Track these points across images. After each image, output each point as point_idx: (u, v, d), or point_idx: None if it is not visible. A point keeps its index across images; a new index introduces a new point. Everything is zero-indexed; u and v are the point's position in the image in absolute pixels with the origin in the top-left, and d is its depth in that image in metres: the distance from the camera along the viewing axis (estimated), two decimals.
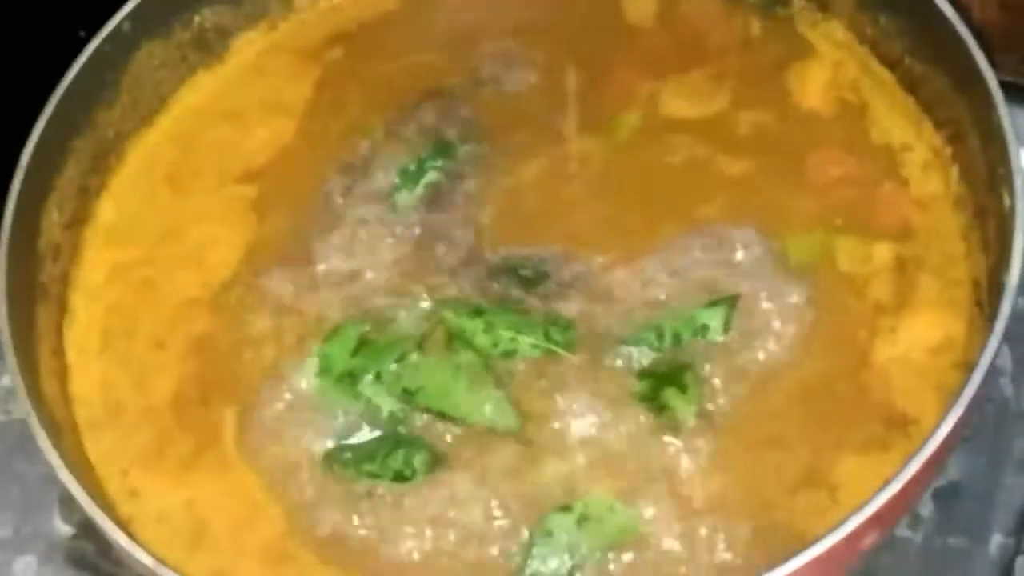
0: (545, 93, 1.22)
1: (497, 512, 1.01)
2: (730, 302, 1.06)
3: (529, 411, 1.03)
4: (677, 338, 1.05)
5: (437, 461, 1.02)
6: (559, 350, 1.05)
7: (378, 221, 1.15)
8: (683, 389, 1.03)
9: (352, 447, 1.04)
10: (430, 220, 1.14)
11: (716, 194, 1.13)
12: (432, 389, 1.04)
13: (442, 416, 1.04)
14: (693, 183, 1.15)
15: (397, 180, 1.16)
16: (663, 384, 1.03)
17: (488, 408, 1.03)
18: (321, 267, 1.13)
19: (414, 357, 1.05)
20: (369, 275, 1.12)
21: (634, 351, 1.05)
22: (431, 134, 1.19)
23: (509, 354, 1.05)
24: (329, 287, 1.12)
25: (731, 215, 1.12)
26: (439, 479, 1.02)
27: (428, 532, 1.01)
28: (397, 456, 1.03)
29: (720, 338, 1.05)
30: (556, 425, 1.03)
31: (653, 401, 1.03)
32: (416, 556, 1.00)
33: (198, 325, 1.13)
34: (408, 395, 1.04)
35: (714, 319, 1.06)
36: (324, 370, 1.07)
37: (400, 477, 1.02)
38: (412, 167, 1.16)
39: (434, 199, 1.15)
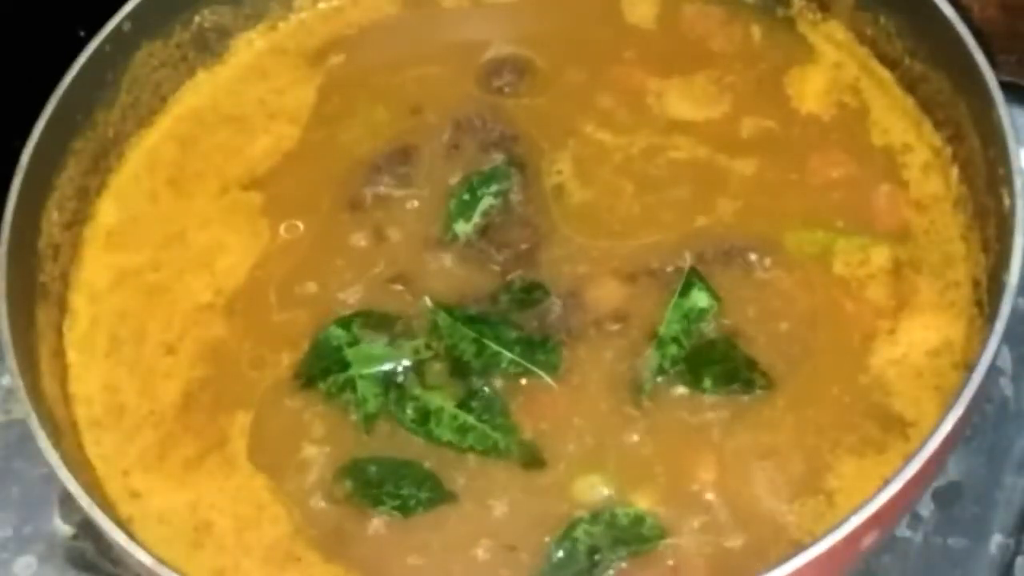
0: (555, 97, 1.22)
1: (512, 535, 1.01)
2: (694, 276, 1.07)
3: (542, 437, 1.04)
4: (688, 332, 1.05)
5: (444, 497, 1.02)
6: (538, 371, 1.05)
7: (401, 231, 1.15)
8: (729, 358, 1.04)
9: (359, 470, 1.04)
10: (475, 241, 1.14)
11: (717, 199, 1.14)
12: (442, 420, 1.04)
13: (452, 447, 1.04)
14: (694, 184, 1.15)
15: (452, 210, 1.15)
16: (712, 366, 1.04)
17: (501, 440, 1.03)
18: (338, 274, 1.14)
19: (418, 391, 1.05)
20: (387, 284, 1.12)
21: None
22: (473, 153, 1.18)
23: (490, 368, 1.05)
24: (345, 295, 1.12)
25: (733, 216, 1.12)
26: (448, 509, 1.02)
27: (440, 540, 1.01)
28: (402, 487, 1.02)
29: (716, 305, 1.06)
30: (573, 447, 1.04)
31: (728, 383, 1.03)
32: (427, 559, 1.01)
33: (210, 331, 1.13)
34: (417, 426, 1.05)
35: (700, 298, 1.06)
36: (315, 347, 1.08)
37: (404, 508, 1.02)
38: (466, 196, 1.15)
39: (488, 225, 1.15)
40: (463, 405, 1.04)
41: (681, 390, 1.04)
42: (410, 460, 1.04)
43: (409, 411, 1.05)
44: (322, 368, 1.07)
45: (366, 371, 1.06)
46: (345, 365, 1.07)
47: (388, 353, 1.07)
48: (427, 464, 1.04)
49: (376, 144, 1.21)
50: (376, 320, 1.09)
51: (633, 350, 1.07)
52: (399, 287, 1.12)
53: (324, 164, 1.20)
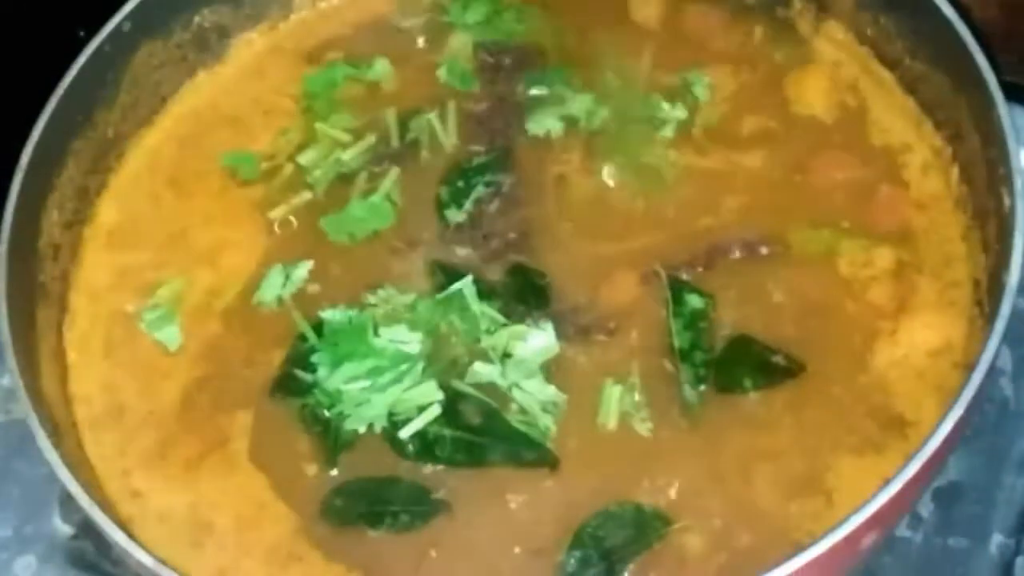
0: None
1: (519, 537, 1.01)
2: (676, 282, 1.07)
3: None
4: (700, 335, 1.05)
5: (436, 508, 1.02)
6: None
7: (401, 223, 1.15)
8: (752, 353, 1.05)
9: (350, 489, 1.04)
10: (470, 231, 1.14)
11: (720, 198, 1.14)
12: (444, 446, 1.04)
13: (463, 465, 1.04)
14: (697, 184, 1.15)
15: (444, 197, 1.15)
16: (742, 365, 1.05)
17: (512, 446, 1.03)
18: (337, 272, 1.14)
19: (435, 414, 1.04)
20: (389, 281, 1.12)
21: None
22: (470, 145, 1.18)
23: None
24: (348, 292, 1.11)
25: (736, 216, 1.12)
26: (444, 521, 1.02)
27: (443, 539, 1.01)
28: (393, 503, 1.02)
29: (710, 301, 1.07)
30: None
31: (768, 376, 1.04)
32: (431, 558, 1.01)
33: (210, 330, 1.13)
34: (422, 459, 1.04)
35: (692, 299, 1.06)
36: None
37: (397, 524, 1.02)
38: (460, 183, 1.15)
39: (480, 214, 1.15)
40: (461, 427, 1.04)
41: (723, 396, 1.04)
42: (395, 477, 1.03)
43: (410, 448, 1.04)
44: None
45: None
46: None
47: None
48: (417, 479, 1.04)
49: (378, 139, 1.21)
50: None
51: (635, 349, 1.07)
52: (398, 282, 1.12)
53: (330, 163, 1.20)
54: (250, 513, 1.04)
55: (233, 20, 1.28)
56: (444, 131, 1.20)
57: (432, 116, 1.20)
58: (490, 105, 1.21)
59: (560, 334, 1.07)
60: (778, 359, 1.05)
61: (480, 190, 1.15)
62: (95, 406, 1.11)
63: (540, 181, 1.16)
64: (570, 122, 1.19)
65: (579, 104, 1.19)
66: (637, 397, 1.05)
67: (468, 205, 1.15)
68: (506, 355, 1.06)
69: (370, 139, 1.20)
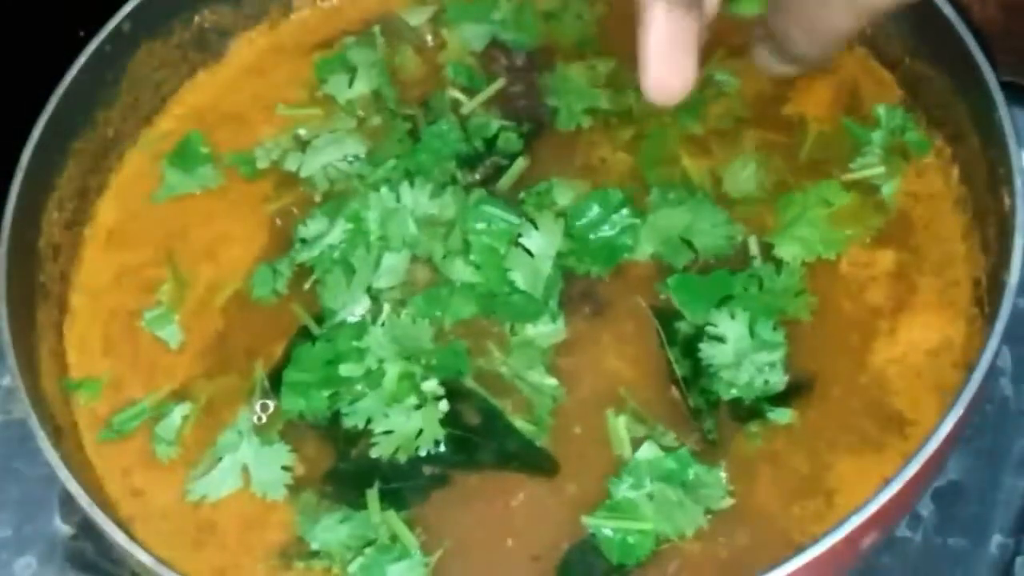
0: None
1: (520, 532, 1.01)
2: (662, 313, 1.06)
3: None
4: (701, 360, 1.04)
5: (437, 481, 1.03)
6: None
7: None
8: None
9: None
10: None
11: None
12: (450, 441, 1.04)
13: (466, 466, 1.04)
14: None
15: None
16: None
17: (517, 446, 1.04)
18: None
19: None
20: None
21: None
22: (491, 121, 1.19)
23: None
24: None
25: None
26: (450, 508, 1.02)
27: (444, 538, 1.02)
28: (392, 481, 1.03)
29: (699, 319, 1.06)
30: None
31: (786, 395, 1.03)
32: (434, 558, 1.00)
33: (213, 324, 1.13)
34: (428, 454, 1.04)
35: (682, 325, 1.06)
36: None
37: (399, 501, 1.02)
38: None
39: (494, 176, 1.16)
40: (459, 426, 1.04)
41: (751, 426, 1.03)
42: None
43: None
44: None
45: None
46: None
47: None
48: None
49: (387, 127, 1.21)
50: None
51: (638, 355, 1.07)
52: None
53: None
54: (253, 511, 1.04)
55: (233, 20, 1.28)
56: (468, 106, 1.20)
57: (456, 92, 1.21)
58: (518, 88, 1.22)
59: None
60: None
61: (496, 159, 1.16)
62: (96, 405, 1.11)
63: (556, 155, 1.17)
64: (592, 113, 1.19)
65: (599, 98, 1.20)
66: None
67: (476, 175, 1.15)
68: (513, 334, 1.07)
69: (377, 125, 1.21)
